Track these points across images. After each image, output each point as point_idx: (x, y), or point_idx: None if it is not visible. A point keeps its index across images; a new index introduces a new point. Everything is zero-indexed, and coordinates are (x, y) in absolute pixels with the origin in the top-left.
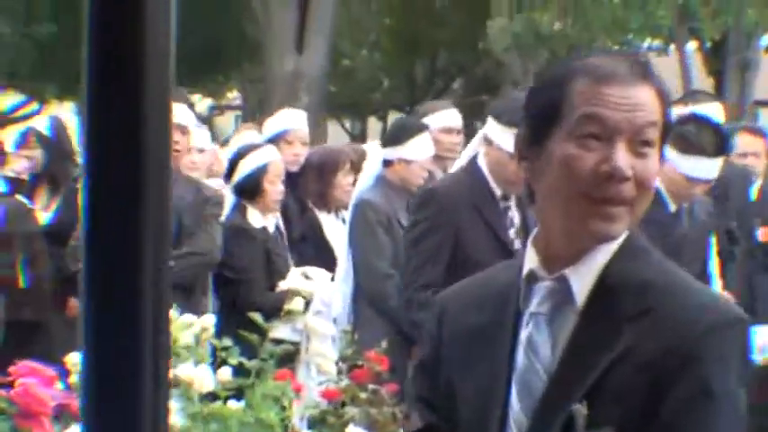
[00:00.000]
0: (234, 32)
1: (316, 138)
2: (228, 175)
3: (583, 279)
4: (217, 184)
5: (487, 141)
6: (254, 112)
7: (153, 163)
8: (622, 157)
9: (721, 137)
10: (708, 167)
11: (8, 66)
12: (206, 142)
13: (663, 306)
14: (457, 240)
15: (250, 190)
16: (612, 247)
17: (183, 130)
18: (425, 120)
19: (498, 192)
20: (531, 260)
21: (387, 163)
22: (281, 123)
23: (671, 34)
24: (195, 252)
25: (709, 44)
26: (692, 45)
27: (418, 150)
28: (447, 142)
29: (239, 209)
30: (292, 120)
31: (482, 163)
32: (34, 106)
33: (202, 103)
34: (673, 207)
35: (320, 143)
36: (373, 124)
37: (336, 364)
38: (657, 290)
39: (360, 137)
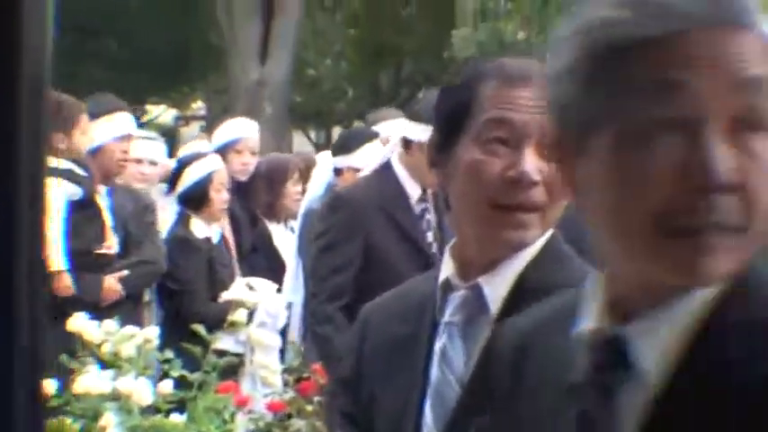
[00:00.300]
0: (198, 42)
1: (280, 148)
2: (172, 184)
3: (497, 287)
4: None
5: (406, 143)
6: (218, 123)
7: (27, 164)
8: (530, 162)
9: None
10: None
11: None
12: (159, 154)
13: None
14: (368, 246)
15: (195, 199)
16: (530, 253)
17: (126, 139)
18: (375, 128)
19: (414, 195)
20: (447, 268)
21: (337, 172)
22: (230, 132)
23: None
24: (145, 261)
25: None
26: None
27: (368, 158)
28: None
29: (183, 219)
30: (242, 129)
31: (397, 166)
32: None
33: (167, 113)
34: None
35: (285, 153)
36: (338, 134)
37: (282, 375)
38: None
39: (325, 146)
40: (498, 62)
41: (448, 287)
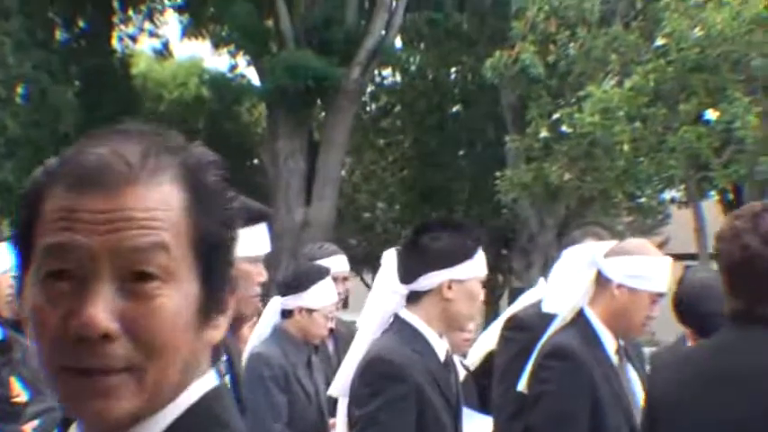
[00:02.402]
0: (244, 184)
1: None
2: None
3: None
4: None
5: None
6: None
7: None
8: (99, 305)
9: None
10: None
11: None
12: None
13: None
14: None
15: None
16: (159, 425)
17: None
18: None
19: None
20: None
21: (286, 313)
22: None
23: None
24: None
25: (731, 196)
26: (712, 196)
27: (321, 297)
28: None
29: None
30: None
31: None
32: None
33: None
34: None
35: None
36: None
37: None
38: None
39: None
40: (76, 151)
41: None
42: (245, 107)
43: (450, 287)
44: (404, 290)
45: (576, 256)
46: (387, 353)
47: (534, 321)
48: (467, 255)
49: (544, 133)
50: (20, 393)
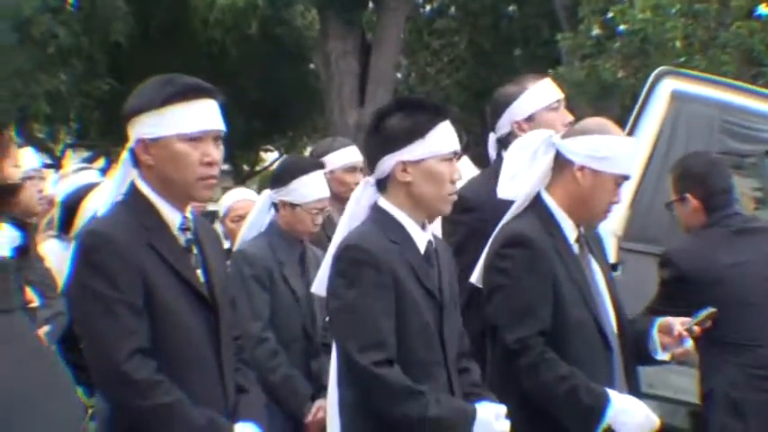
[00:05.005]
0: (299, 88)
1: None
2: None
3: None
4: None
5: None
6: None
7: None
8: None
9: None
10: None
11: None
12: None
13: None
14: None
15: None
16: None
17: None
18: (325, 159)
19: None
20: None
21: (276, 207)
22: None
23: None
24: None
25: None
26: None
27: (303, 192)
28: (351, 182)
29: None
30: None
31: None
32: (101, 163)
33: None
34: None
35: None
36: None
37: None
38: None
39: None
40: None
41: None
42: (297, 10)
43: (405, 170)
44: (372, 179)
45: (531, 138)
46: (362, 241)
47: (481, 200)
48: (418, 133)
49: (596, 31)
50: (32, 299)
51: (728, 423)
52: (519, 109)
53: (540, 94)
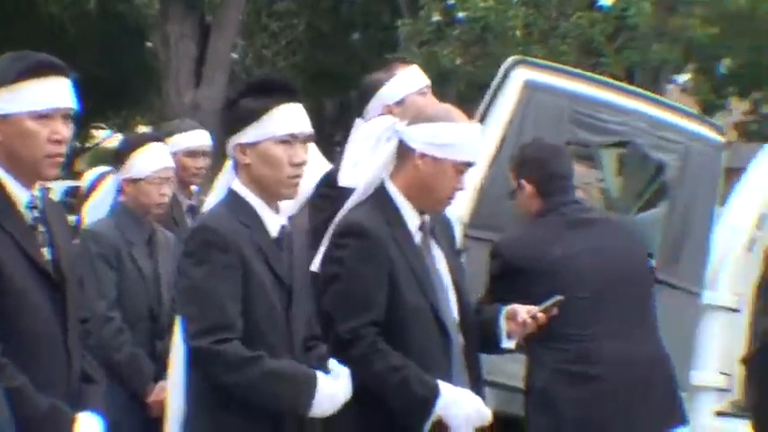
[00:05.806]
0: (137, 67)
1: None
2: None
3: None
4: None
5: None
6: None
7: None
8: None
9: None
10: None
11: None
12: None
13: None
14: None
15: None
16: None
17: None
18: (170, 140)
19: None
20: None
21: (121, 186)
22: None
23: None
24: None
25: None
26: None
27: (143, 165)
28: (192, 167)
29: None
30: None
31: None
32: None
33: (114, 138)
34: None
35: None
36: None
37: None
38: None
39: None
40: None
41: None
42: None
43: (244, 152)
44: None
45: (375, 126)
46: (212, 222)
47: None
48: (254, 115)
49: (437, 17)
50: None
51: (542, 420)
52: (389, 93)
53: (410, 78)
